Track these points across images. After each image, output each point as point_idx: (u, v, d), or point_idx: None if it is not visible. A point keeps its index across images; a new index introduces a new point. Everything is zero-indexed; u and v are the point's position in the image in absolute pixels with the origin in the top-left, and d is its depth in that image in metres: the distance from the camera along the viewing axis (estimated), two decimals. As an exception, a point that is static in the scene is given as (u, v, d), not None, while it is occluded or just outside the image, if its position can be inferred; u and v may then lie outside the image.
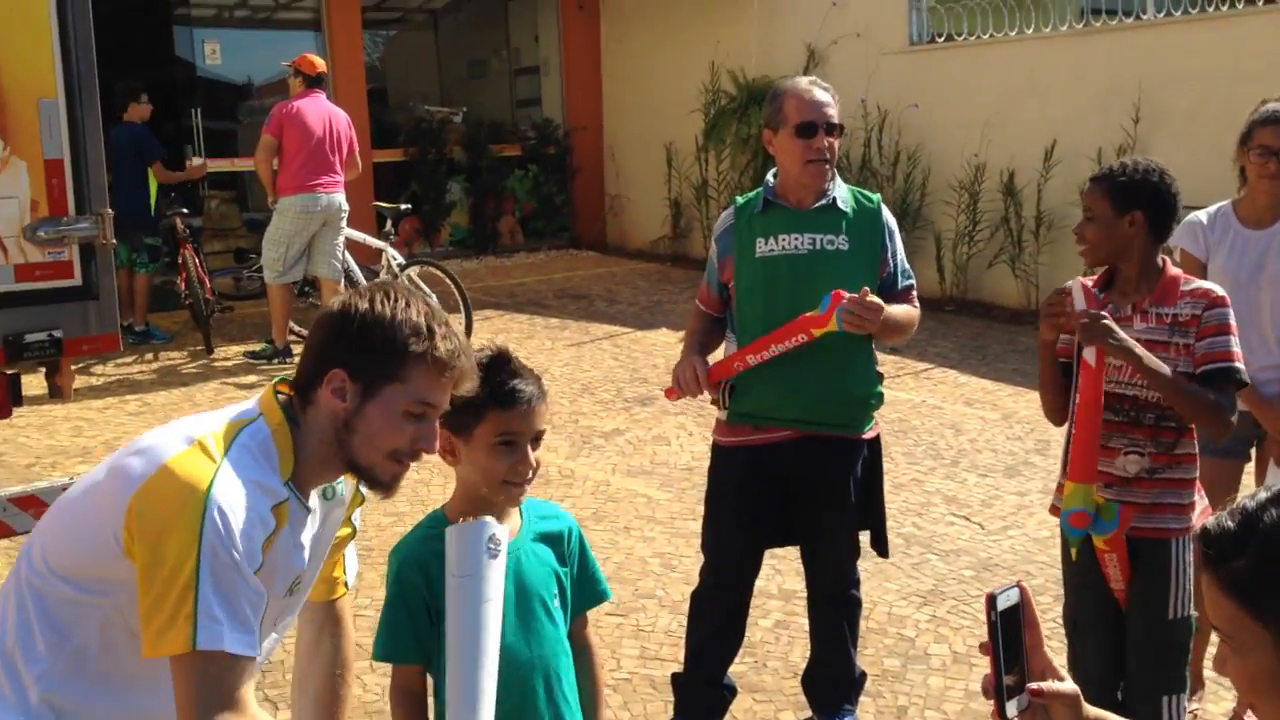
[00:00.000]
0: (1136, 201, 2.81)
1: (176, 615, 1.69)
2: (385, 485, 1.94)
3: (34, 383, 5.81)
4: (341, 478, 2.05)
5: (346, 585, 2.29)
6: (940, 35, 10.24)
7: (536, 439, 2.13)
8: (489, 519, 2.02)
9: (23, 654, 1.83)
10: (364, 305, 1.88)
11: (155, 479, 1.76)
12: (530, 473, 2.12)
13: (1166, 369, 2.72)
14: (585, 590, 2.26)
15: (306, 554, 1.97)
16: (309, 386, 1.91)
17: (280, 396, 1.94)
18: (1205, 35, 8.52)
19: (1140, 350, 2.71)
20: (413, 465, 1.99)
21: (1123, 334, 2.72)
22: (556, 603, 2.18)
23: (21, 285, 3.91)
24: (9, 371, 4.00)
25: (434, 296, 8.49)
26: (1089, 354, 2.75)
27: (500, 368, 2.11)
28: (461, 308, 8.34)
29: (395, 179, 12.42)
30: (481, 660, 1.94)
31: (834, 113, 3.31)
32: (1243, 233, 3.50)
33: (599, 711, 2.27)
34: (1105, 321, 2.71)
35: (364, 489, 2.03)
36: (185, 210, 9.24)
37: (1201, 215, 3.59)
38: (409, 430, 1.89)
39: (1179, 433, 2.83)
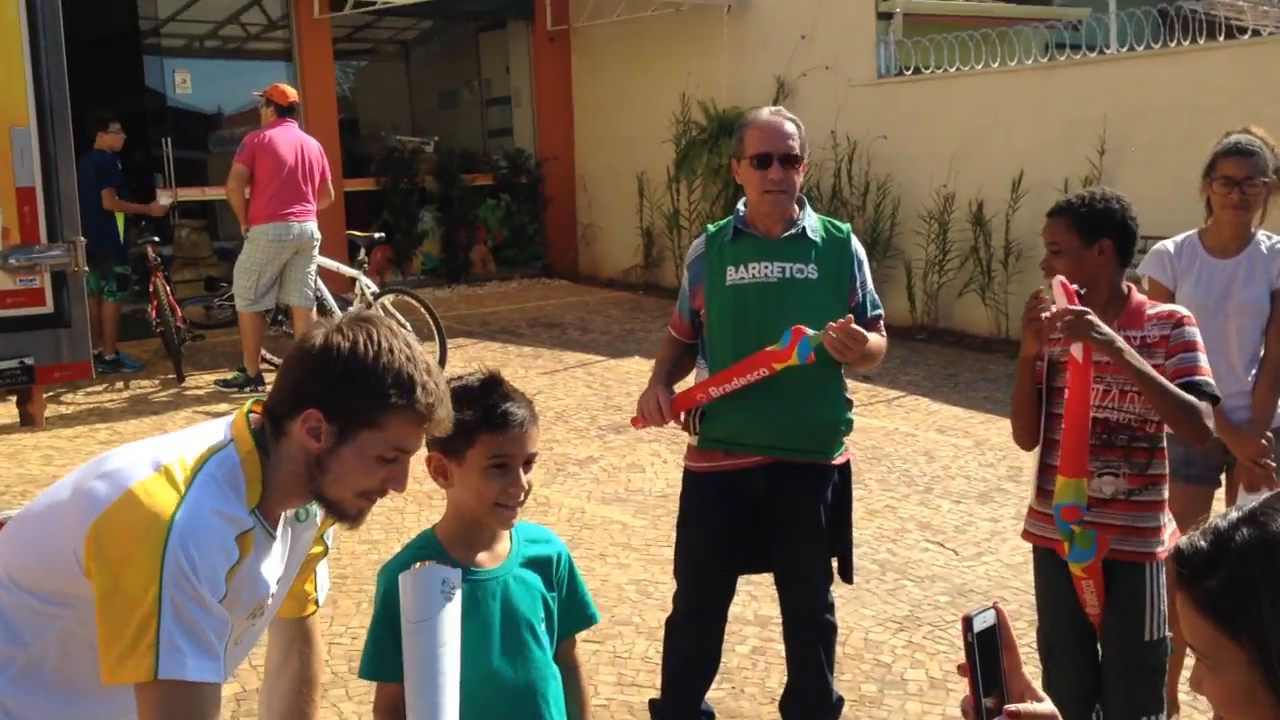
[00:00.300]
0: (1103, 230, 2.86)
1: (138, 644, 1.68)
2: (352, 519, 1.94)
3: (3, 411, 5.74)
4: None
5: (317, 603, 2.27)
6: (908, 68, 10.37)
7: (529, 462, 2.13)
8: (438, 564, 2.02)
9: None
10: (346, 346, 1.85)
11: (118, 505, 1.74)
12: (522, 495, 2.12)
13: (1148, 365, 2.75)
14: (573, 614, 2.26)
15: (274, 579, 1.96)
16: (283, 418, 1.89)
17: (252, 418, 1.92)
18: (1167, 70, 8.68)
19: (1123, 343, 2.74)
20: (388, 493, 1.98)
21: (1106, 328, 2.74)
22: (544, 627, 2.17)
23: (-7, 313, 3.89)
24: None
25: (408, 325, 8.51)
26: (1076, 350, 2.76)
27: (492, 390, 2.11)
28: (435, 336, 8.33)
29: (367, 208, 12.40)
30: (441, 704, 1.93)
31: (795, 144, 3.31)
32: (1209, 261, 3.56)
33: None
34: (1089, 316, 2.71)
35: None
36: (156, 239, 9.19)
37: (1169, 244, 3.65)
38: (380, 473, 1.89)
39: (1151, 453, 2.87)
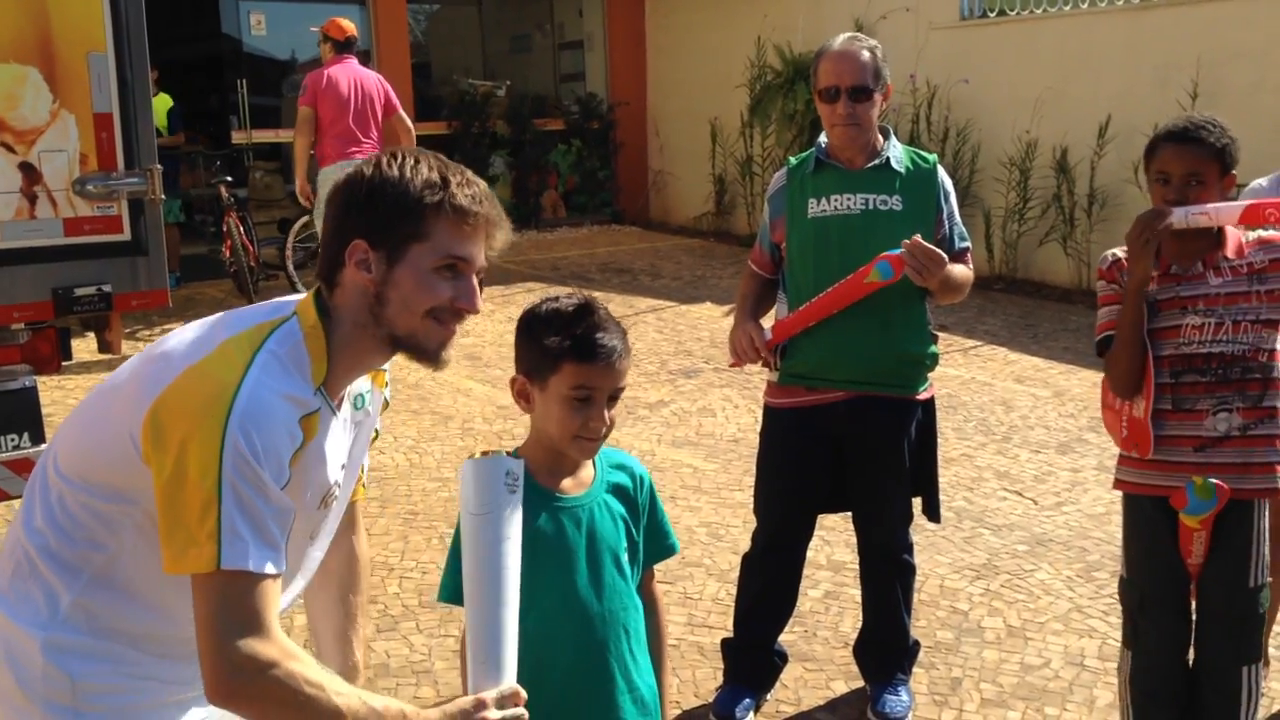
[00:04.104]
0: (1233, 161, 2.73)
1: (199, 532, 1.60)
2: (433, 354, 1.80)
3: (82, 347, 5.82)
4: (367, 386, 1.95)
5: (364, 486, 2.18)
6: (992, 10, 10.07)
7: (615, 395, 2.02)
8: (503, 455, 1.90)
9: (52, 562, 1.77)
10: (370, 170, 1.77)
11: (176, 387, 1.65)
12: (604, 429, 2.02)
13: None
14: (655, 543, 2.18)
15: (339, 465, 1.87)
16: (333, 271, 1.79)
17: (320, 299, 1.82)
18: (1266, 10, 8.31)
19: None
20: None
21: None
22: (627, 557, 2.10)
23: (71, 239, 3.90)
24: (58, 325, 4.00)
25: None
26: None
27: (584, 317, 1.98)
28: None
29: (439, 152, 12.37)
30: (503, 600, 1.82)
31: (866, 75, 3.19)
32: None
33: (664, 666, 2.20)
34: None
35: (416, 365, 1.87)
36: (229, 179, 9.26)
37: (1263, 180, 3.51)
38: (444, 290, 1.76)
39: (1265, 384, 2.74)
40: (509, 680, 1.80)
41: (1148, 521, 2.83)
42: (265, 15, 11.99)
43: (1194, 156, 2.69)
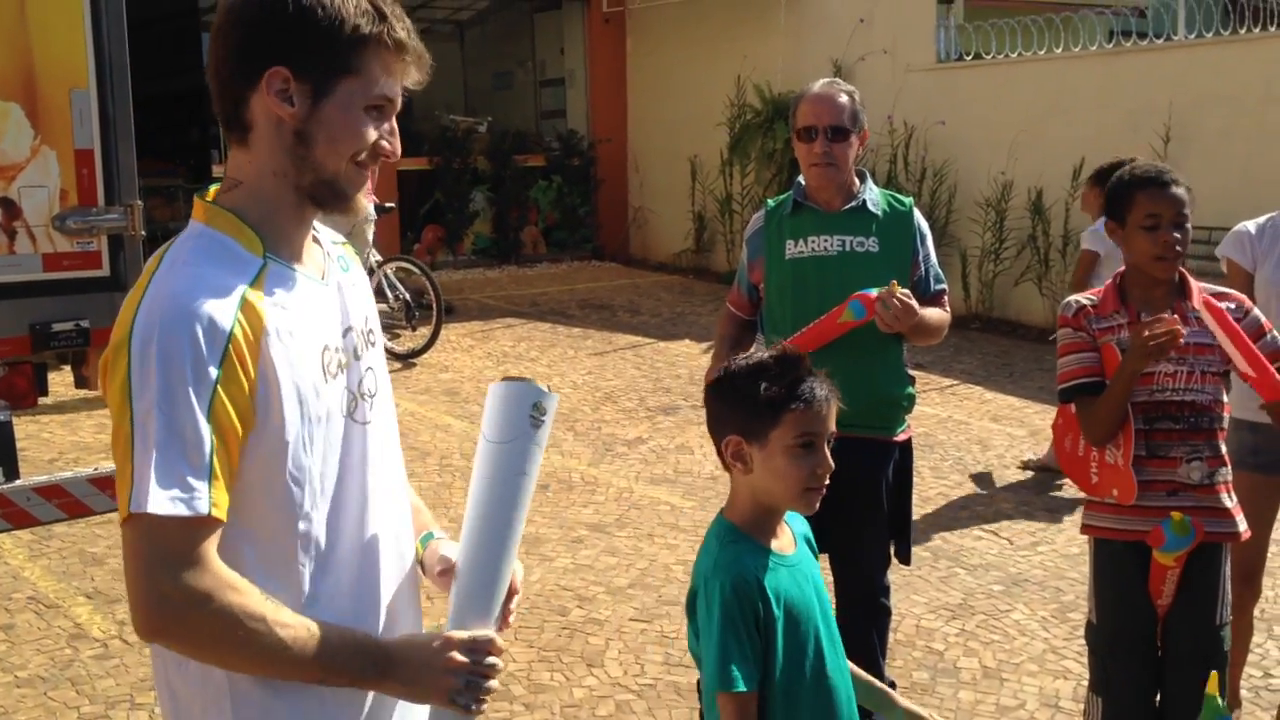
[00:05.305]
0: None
1: (121, 479, 1.44)
2: (350, 198, 1.60)
3: (57, 380, 5.80)
4: (340, 246, 1.73)
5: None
6: (968, 53, 10.21)
7: (830, 440, 1.99)
8: (536, 384, 1.69)
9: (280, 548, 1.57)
10: None
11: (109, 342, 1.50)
12: (828, 476, 1.97)
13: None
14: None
15: (342, 327, 1.62)
16: (238, 105, 1.54)
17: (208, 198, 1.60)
18: (1236, 58, 8.47)
19: None
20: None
21: None
22: (829, 603, 2.09)
23: (50, 274, 3.90)
24: (34, 361, 3.99)
25: (407, 294, 8.63)
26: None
27: (794, 367, 1.97)
28: (435, 306, 8.35)
29: (420, 187, 12.43)
30: (504, 539, 1.66)
31: (844, 116, 3.25)
32: None
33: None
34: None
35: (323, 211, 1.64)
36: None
37: (1250, 225, 3.53)
38: (370, 130, 1.57)
39: (1220, 432, 2.81)
40: (489, 626, 1.63)
41: (1119, 565, 2.85)
42: (248, 50, 12.03)
43: (1180, 199, 2.76)
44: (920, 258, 3.34)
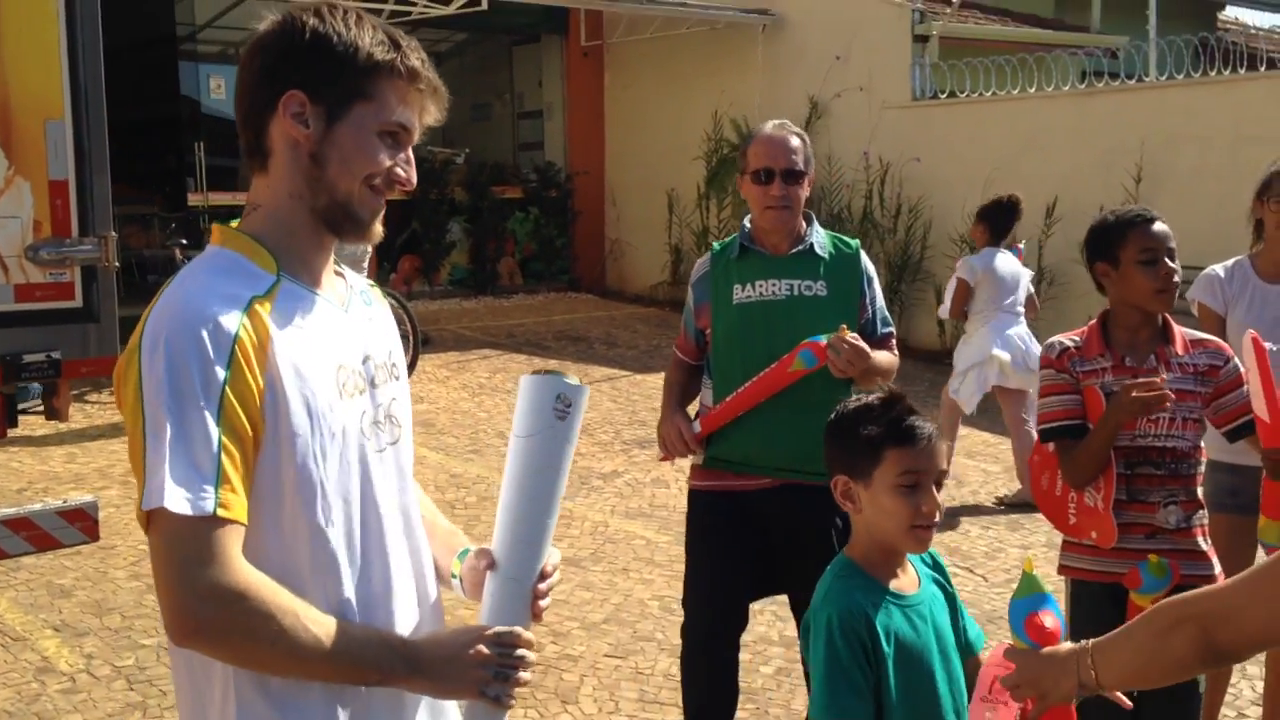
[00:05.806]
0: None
1: (138, 481, 1.46)
2: (365, 223, 1.62)
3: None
4: (366, 283, 1.76)
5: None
6: (943, 91, 10.31)
7: (939, 481, 2.00)
8: (564, 376, 1.68)
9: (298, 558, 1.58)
10: (309, 19, 1.58)
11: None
12: (937, 515, 1.98)
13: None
14: (972, 629, 2.18)
15: (361, 353, 1.63)
16: (259, 134, 1.59)
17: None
18: (1207, 99, 8.60)
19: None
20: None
21: None
22: (953, 645, 2.09)
23: (21, 305, 3.88)
24: (4, 392, 3.96)
25: None
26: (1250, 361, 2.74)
27: (895, 405, 2.01)
28: (411, 337, 8.31)
29: (397, 217, 12.42)
30: (538, 534, 1.65)
31: (798, 159, 3.23)
32: (1262, 286, 3.47)
33: None
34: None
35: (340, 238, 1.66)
36: (184, 241, 9.24)
37: (1219, 269, 3.56)
38: (384, 155, 1.60)
39: (1198, 477, 2.82)
40: (520, 622, 1.62)
41: (1097, 606, 2.86)
42: (225, 79, 12.03)
43: (1169, 234, 2.82)
44: (868, 300, 3.31)
